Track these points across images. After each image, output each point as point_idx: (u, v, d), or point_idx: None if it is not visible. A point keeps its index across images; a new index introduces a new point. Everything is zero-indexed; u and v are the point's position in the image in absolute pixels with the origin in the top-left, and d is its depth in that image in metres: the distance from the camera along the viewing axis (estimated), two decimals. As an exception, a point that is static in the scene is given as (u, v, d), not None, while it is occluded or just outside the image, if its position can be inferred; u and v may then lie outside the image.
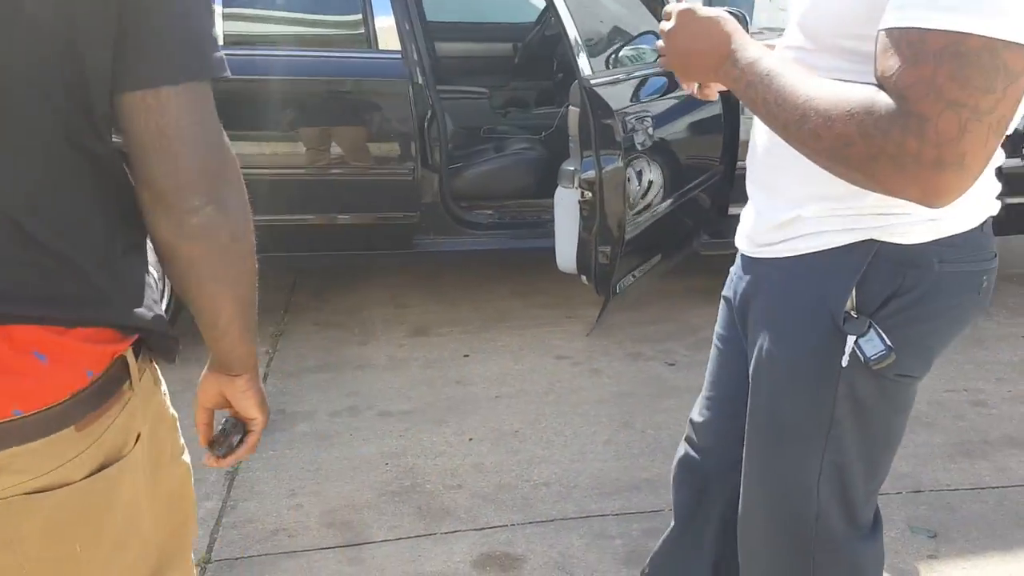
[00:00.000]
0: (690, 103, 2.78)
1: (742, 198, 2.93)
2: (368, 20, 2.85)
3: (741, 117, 2.99)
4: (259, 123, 2.86)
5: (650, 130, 2.40)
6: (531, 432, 2.58)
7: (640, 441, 2.51)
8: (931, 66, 0.78)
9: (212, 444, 1.05)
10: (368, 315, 3.42)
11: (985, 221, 1.07)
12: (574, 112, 2.30)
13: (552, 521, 2.17)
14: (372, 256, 3.26)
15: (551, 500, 2.26)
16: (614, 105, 2.23)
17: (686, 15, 1.03)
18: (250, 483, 2.38)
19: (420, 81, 2.92)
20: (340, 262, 3.49)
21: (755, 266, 1.15)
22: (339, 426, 2.65)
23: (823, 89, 0.87)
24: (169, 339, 0.92)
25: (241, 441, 1.06)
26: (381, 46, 2.86)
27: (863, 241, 1.00)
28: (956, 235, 1.03)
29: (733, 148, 3.01)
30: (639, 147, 2.34)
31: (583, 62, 2.27)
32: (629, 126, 2.27)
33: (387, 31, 2.87)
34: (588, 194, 2.30)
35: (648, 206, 2.49)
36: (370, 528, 2.17)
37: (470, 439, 2.55)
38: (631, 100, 2.44)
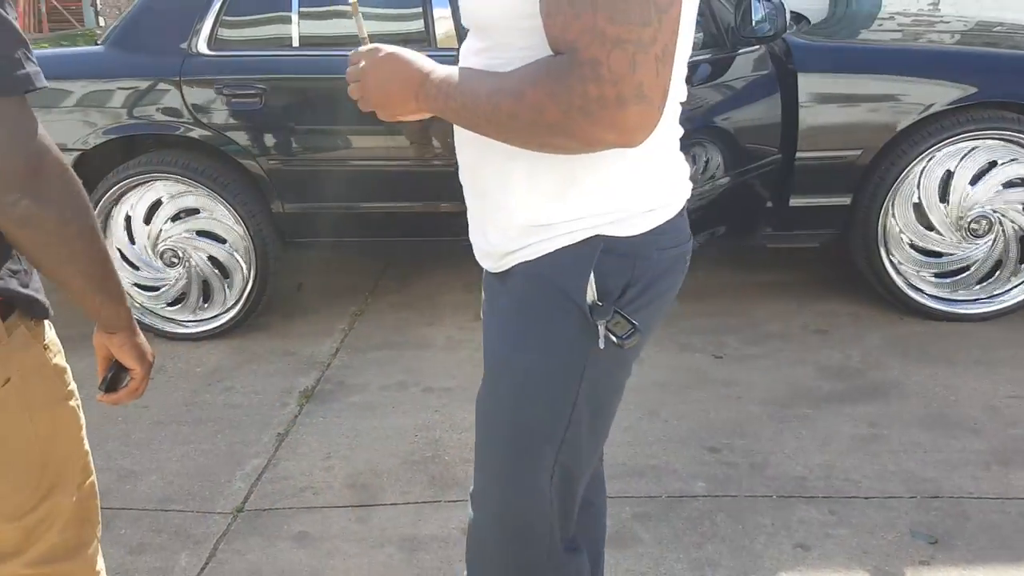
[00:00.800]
0: (727, 94, 2.79)
1: (803, 189, 2.87)
2: (428, 19, 3.01)
3: (800, 111, 2.92)
4: (332, 120, 3.08)
5: None
6: (558, 415, 2.65)
7: (659, 429, 2.54)
8: (591, 13, 0.84)
9: (101, 384, 1.23)
10: (441, 299, 3.60)
11: (684, 205, 1.12)
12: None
13: (550, 498, 2.25)
14: (445, 243, 3.41)
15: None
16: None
17: (373, 53, 1.07)
18: (294, 445, 2.61)
19: (477, 76, 3.06)
20: (413, 248, 3.68)
21: (500, 279, 1.17)
22: (385, 399, 2.83)
23: (509, 74, 0.93)
24: (30, 301, 1.09)
25: (126, 385, 1.24)
26: (440, 44, 3.02)
27: (592, 237, 1.05)
28: (667, 222, 1.07)
29: (792, 138, 2.94)
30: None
31: None
32: None
33: (447, 30, 3.02)
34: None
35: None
36: (384, 491, 2.34)
37: (499, 418, 2.66)
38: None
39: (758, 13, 2.66)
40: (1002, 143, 2.91)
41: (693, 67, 2.79)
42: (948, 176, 2.95)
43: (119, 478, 2.48)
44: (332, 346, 3.26)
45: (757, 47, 2.87)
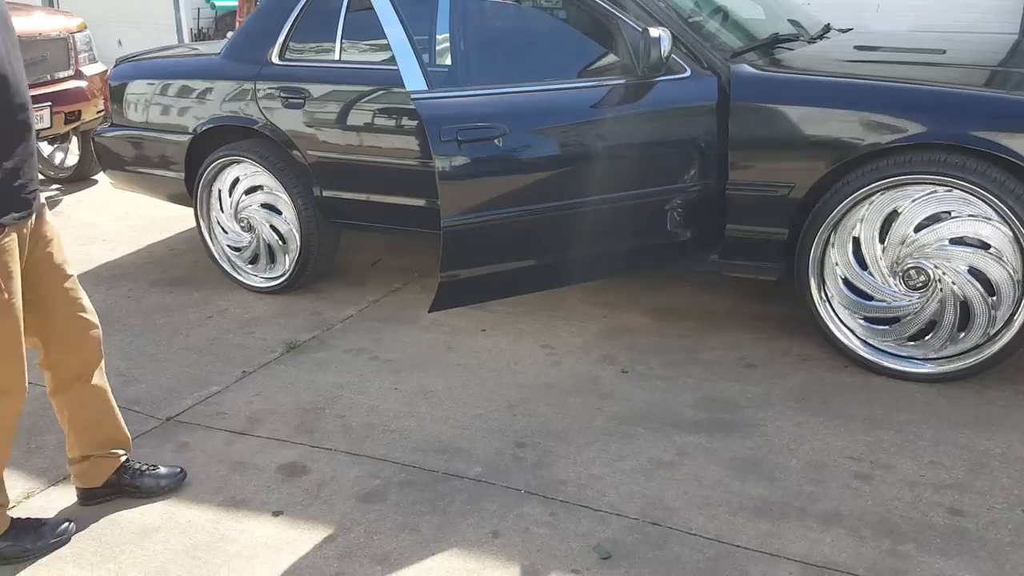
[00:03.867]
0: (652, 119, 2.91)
1: (737, 218, 2.87)
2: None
3: (729, 140, 2.93)
4: (356, 120, 3.66)
5: (498, 141, 2.64)
6: (441, 395, 3.01)
7: (500, 421, 2.80)
8: None
9: None
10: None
11: None
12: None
13: (360, 456, 2.66)
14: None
15: (382, 443, 2.73)
16: (431, 112, 2.57)
17: None
18: (248, 383, 3.23)
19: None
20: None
21: None
22: (337, 361, 3.37)
23: None
24: None
25: None
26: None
27: None
28: None
29: (722, 169, 2.96)
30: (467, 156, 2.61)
31: (411, 76, 2.58)
32: (455, 135, 2.57)
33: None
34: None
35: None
36: (262, 426, 2.90)
37: (395, 389, 3.09)
38: (486, 113, 2.67)
39: (663, 46, 2.74)
40: (947, 190, 2.68)
41: (610, 90, 2.95)
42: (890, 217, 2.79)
43: (124, 381, 3.29)
44: (350, 313, 3.85)
45: (685, 73, 2.93)
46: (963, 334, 2.76)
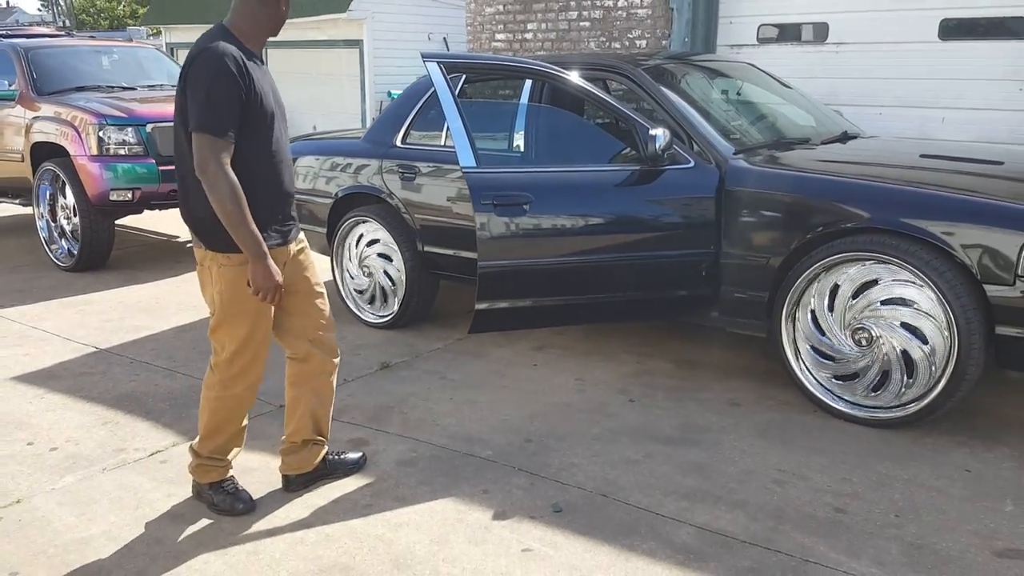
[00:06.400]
0: (663, 201, 3.67)
1: (731, 282, 3.61)
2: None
3: (722, 217, 3.66)
4: (445, 191, 4.64)
5: (526, 206, 3.51)
6: (482, 405, 3.84)
7: (519, 424, 3.59)
8: None
9: None
10: (538, 333, 4.85)
11: None
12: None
13: (408, 438, 3.52)
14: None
15: (427, 431, 3.58)
16: (475, 182, 3.46)
17: None
18: (346, 386, 4.19)
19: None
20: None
21: None
22: (414, 378, 4.27)
23: None
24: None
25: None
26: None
27: None
28: None
29: (717, 241, 3.69)
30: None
31: (464, 154, 3.49)
32: (492, 199, 3.47)
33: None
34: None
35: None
36: (346, 414, 3.82)
37: (450, 399, 3.94)
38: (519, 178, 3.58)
39: (660, 141, 3.55)
40: (920, 285, 3.27)
41: (618, 174, 3.75)
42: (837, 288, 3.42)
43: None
44: (437, 347, 4.77)
45: (689, 164, 3.70)
46: (876, 393, 3.34)
